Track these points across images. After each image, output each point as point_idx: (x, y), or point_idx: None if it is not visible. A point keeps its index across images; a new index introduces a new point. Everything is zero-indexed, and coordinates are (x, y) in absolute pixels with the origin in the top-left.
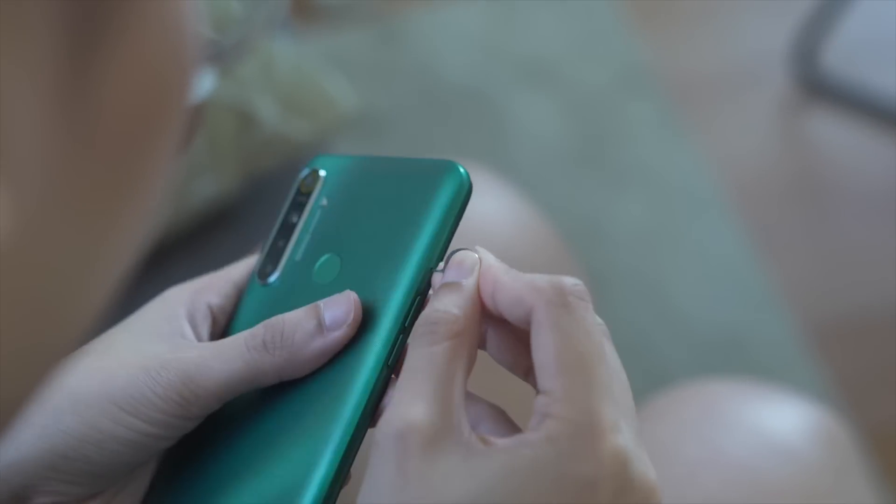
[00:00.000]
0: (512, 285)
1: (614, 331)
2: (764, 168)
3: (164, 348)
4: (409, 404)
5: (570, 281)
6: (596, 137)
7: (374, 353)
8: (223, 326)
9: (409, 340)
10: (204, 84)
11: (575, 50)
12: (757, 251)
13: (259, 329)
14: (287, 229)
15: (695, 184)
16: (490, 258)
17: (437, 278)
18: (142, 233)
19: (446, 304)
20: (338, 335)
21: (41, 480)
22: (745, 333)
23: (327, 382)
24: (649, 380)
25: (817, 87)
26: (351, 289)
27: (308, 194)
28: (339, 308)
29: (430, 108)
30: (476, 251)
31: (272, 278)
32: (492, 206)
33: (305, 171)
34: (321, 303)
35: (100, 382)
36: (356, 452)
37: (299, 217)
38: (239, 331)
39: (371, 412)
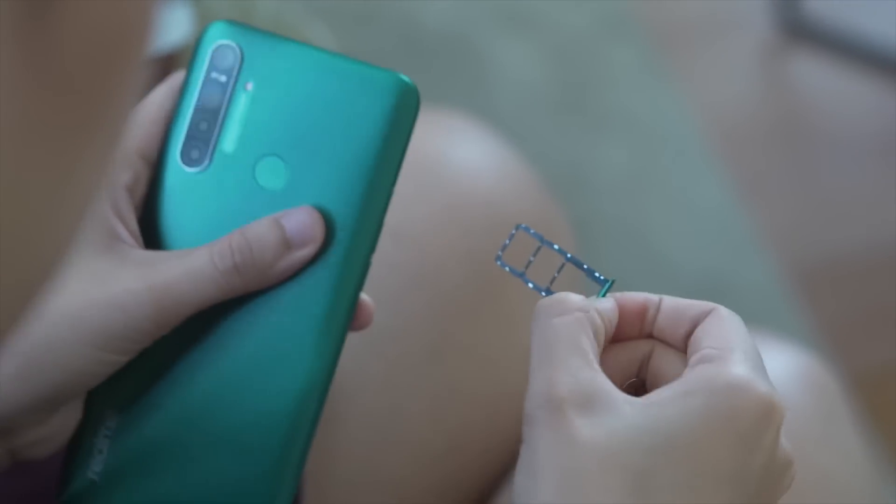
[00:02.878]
0: (686, 300)
1: None
2: (747, 113)
3: (124, 272)
4: (551, 375)
5: None
6: (578, 83)
7: (350, 276)
8: (139, 200)
9: (534, 318)
10: (181, 31)
11: None
12: (741, 196)
13: (226, 249)
14: (208, 112)
15: (678, 129)
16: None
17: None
18: (111, 168)
19: (567, 294)
20: (305, 253)
21: (23, 420)
22: (729, 279)
23: (297, 295)
24: None
25: (800, 30)
26: (305, 201)
27: (226, 72)
28: (304, 224)
29: (410, 55)
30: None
31: (201, 167)
32: (475, 153)
33: (217, 43)
34: (283, 219)
35: (74, 329)
36: (335, 367)
37: (221, 99)
38: (173, 220)
39: (346, 329)
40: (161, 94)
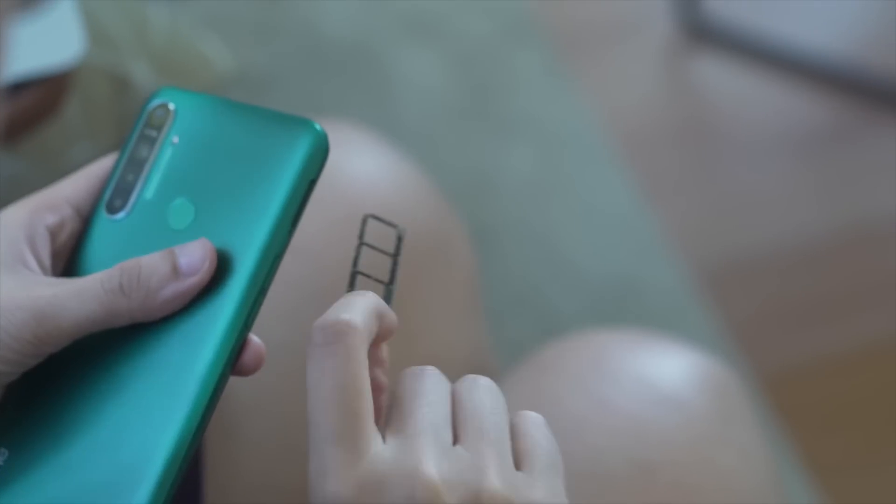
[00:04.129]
0: None
1: (505, 284)
2: (650, 115)
3: (12, 283)
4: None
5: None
6: (482, 89)
7: (232, 312)
8: (62, 246)
9: (309, 350)
10: (71, 50)
11: (458, 0)
12: (646, 199)
13: (115, 271)
14: (137, 164)
15: (582, 133)
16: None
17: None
18: None
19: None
20: (193, 281)
21: None
22: (637, 282)
23: (183, 333)
24: (542, 333)
25: (701, 31)
26: (205, 237)
27: (158, 128)
28: (195, 255)
29: (312, 66)
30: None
31: (121, 214)
32: (370, 164)
33: (154, 103)
34: (176, 248)
35: None
36: (212, 413)
37: (149, 152)
38: (88, 266)
39: (228, 372)
40: (111, 157)
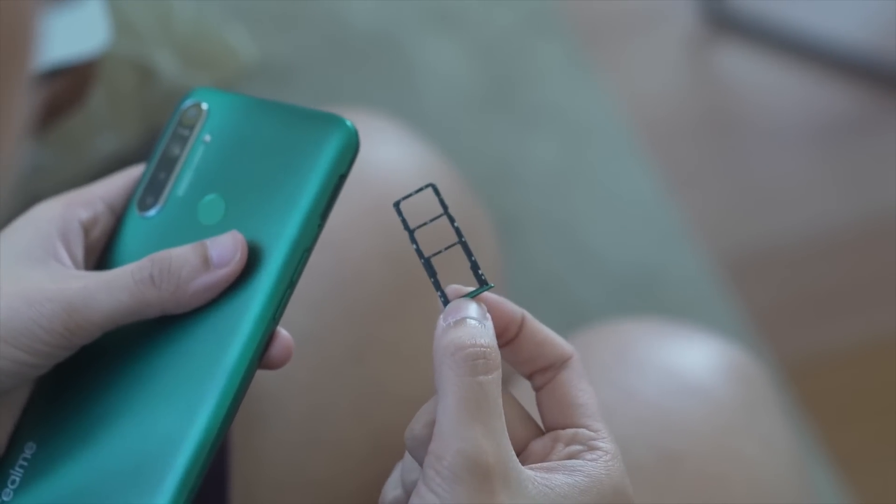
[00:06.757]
0: (545, 329)
1: (528, 274)
2: (673, 105)
3: (43, 276)
4: (481, 440)
5: None
6: (505, 79)
7: (261, 305)
8: (94, 241)
9: (447, 363)
10: (97, 39)
11: None
12: (669, 189)
13: (146, 262)
14: (169, 162)
15: (605, 123)
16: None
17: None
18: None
19: (484, 337)
20: (223, 273)
21: None
22: (659, 272)
23: (212, 326)
24: (565, 323)
25: (724, 21)
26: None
27: (190, 127)
28: (226, 247)
29: (335, 56)
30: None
31: (153, 211)
32: (394, 153)
33: (187, 103)
34: (207, 241)
35: None
36: (239, 405)
37: (181, 151)
38: (119, 261)
39: (256, 365)
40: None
